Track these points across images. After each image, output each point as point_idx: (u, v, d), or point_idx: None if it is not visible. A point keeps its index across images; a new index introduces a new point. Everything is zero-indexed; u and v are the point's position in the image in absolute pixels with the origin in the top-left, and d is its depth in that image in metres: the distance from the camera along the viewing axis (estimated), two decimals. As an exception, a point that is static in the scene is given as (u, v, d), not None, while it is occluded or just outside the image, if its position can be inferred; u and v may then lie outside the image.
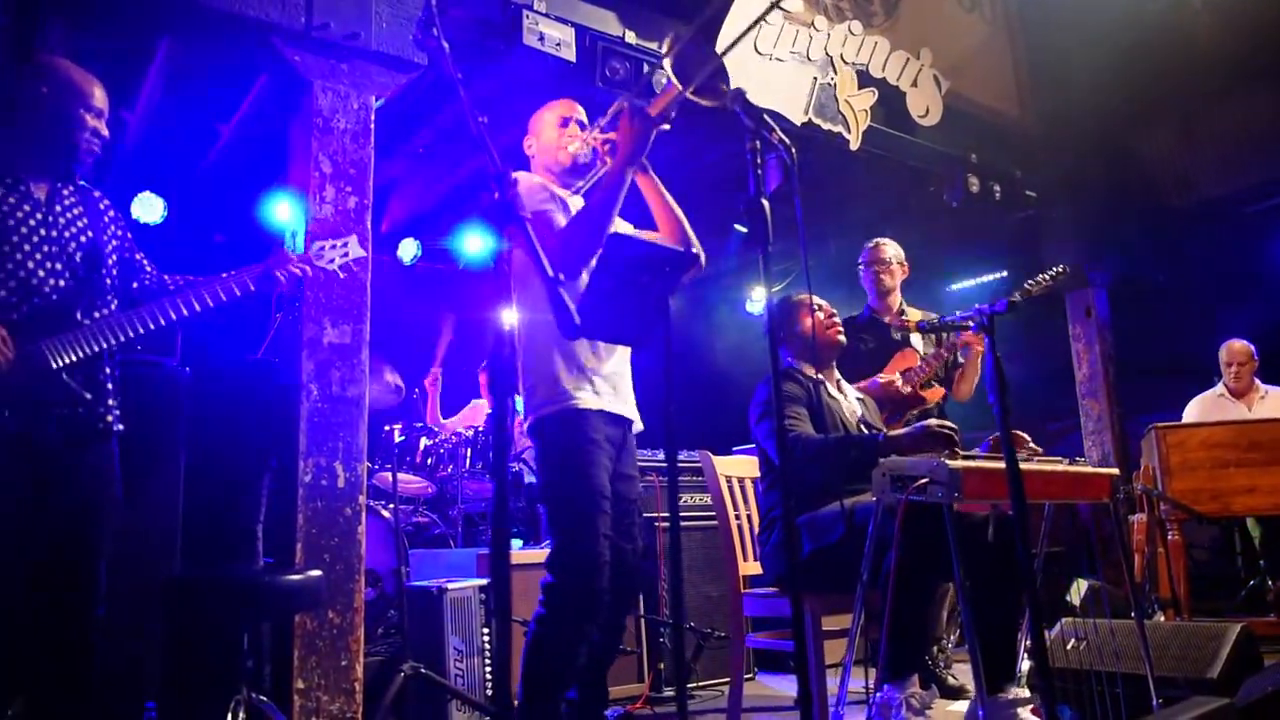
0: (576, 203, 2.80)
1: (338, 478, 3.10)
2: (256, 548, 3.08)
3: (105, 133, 2.55)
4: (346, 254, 2.83)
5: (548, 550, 2.59)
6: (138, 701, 2.97)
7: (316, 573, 2.76)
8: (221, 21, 3.16)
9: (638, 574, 2.66)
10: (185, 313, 2.49)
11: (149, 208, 5.56)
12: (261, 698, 2.75)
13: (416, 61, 3.45)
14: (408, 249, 6.92)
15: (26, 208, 2.40)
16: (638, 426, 2.77)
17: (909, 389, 3.97)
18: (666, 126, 2.53)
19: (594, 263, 2.14)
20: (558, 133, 2.80)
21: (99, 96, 2.53)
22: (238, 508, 3.11)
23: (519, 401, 2.77)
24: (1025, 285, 3.90)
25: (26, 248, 2.36)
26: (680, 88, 2.31)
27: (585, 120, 2.83)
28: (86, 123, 2.49)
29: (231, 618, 2.73)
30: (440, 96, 4.76)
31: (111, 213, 2.63)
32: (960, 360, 4.15)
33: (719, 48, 2.25)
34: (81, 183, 2.59)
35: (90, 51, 4.30)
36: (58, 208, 2.47)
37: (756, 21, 2.47)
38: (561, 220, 2.62)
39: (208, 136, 5.38)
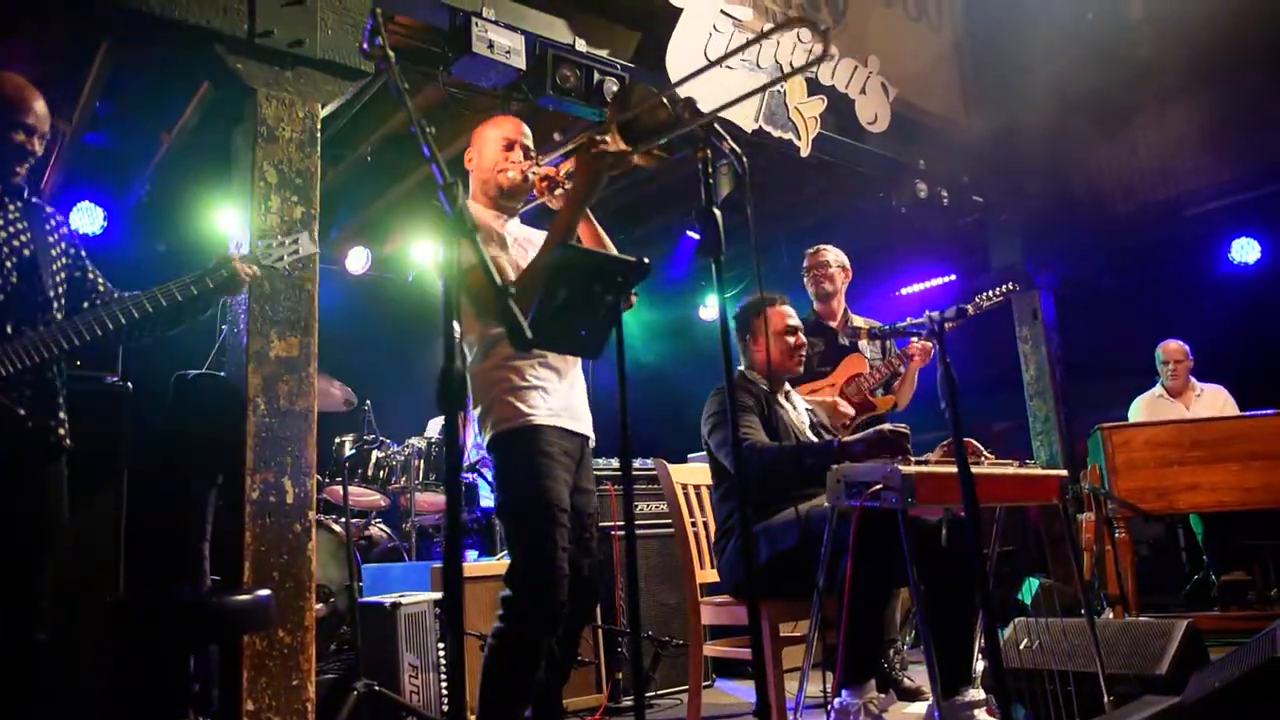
0: (512, 227, 2.76)
1: (286, 494, 3.04)
2: (203, 567, 3.00)
3: (37, 149, 2.45)
4: (296, 251, 2.70)
5: (506, 563, 2.56)
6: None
7: (265, 592, 2.70)
8: (162, 28, 3.08)
9: (593, 588, 2.63)
10: (124, 321, 2.41)
11: (88, 218, 5.43)
12: (209, 721, 2.69)
13: (363, 69, 3.40)
14: (357, 259, 6.84)
15: None
16: (593, 443, 2.75)
17: (854, 406, 4.00)
18: (622, 171, 2.50)
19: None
20: (500, 155, 2.72)
21: (35, 111, 2.43)
22: (182, 526, 3.02)
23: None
24: (976, 299, 3.98)
25: None
26: (626, 147, 2.31)
27: (530, 145, 2.79)
28: (13, 141, 2.40)
29: (177, 640, 2.65)
30: (389, 101, 4.71)
31: (63, 230, 2.56)
32: (900, 370, 4.18)
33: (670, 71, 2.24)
34: (33, 199, 2.52)
35: (25, 58, 4.21)
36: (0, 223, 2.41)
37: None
38: (505, 267, 2.58)
39: (149, 145, 5.27)
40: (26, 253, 2.42)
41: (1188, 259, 6.74)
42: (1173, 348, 5.79)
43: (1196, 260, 6.77)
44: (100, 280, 2.60)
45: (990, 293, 3.96)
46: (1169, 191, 6.27)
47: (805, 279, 4.41)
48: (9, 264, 2.38)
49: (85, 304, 2.55)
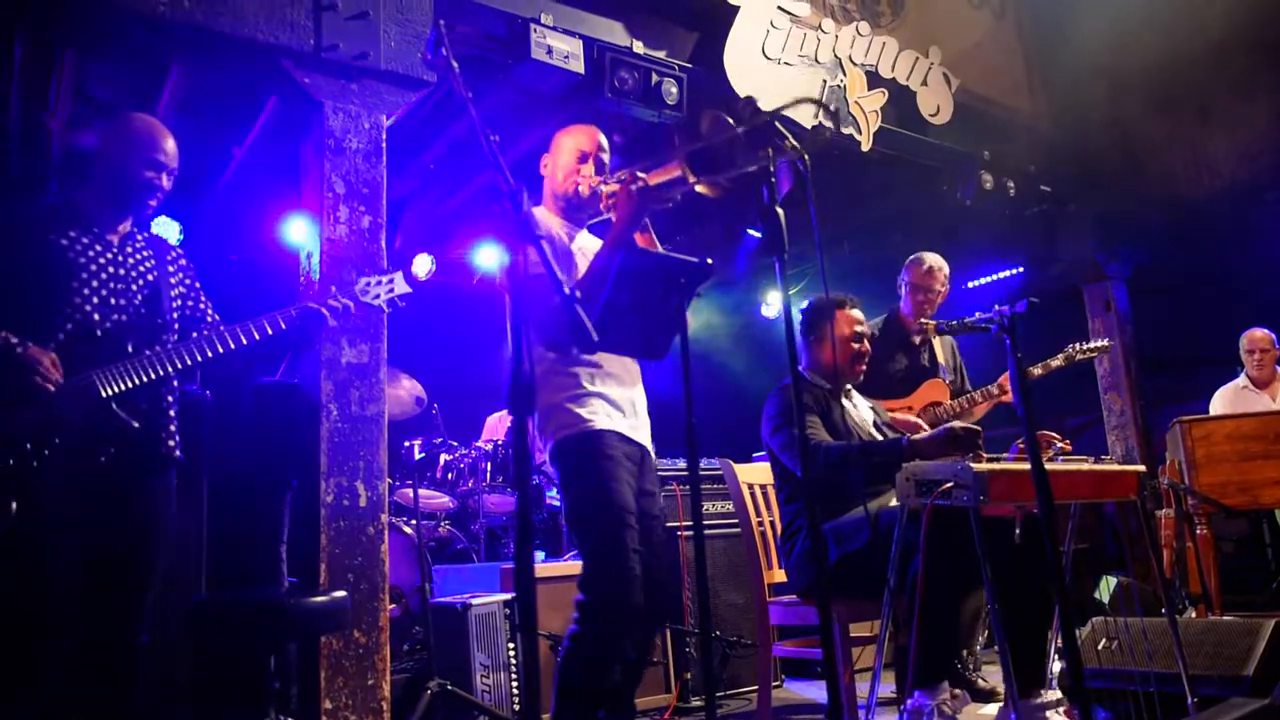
0: (581, 240, 2.79)
1: (359, 497, 3.11)
2: (281, 569, 3.09)
3: (166, 185, 2.64)
4: (393, 289, 2.87)
5: (576, 563, 2.57)
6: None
7: (341, 593, 2.77)
8: (231, 45, 3.18)
9: (666, 589, 2.62)
10: (232, 346, 2.56)
11: (164, 231, 5.59)
12: None
13: (426, 79, 3.46)
14: (422, 264, 6.93)
15: (98, 248, 2.53)
16: (652, 455, 2.75)
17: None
18: (670, 204, 2.51)
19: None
20: (573, 166, 2.77)
21: (165, 149, 2.62)
22: (261, 530, 3.12)
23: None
24: (1068, 350, 3.82)
25: (88, 292, 2.46)
26: (693, 179, 2.31)
27: (606, 158, 2.80)
28: (143, 177, 2.59)
29: (257, 640, 2.73)
30: (451, 110, 4.78)
31: (181, 262, 2.76)
32: (978, 402, 3.99)
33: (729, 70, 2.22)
34: (154, 233, 2.75)
35: (101, 77, 4.36)
36: (129, 249, 2.61)
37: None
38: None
39: (221, 159, 5.42)
40: (150, 277, 2.62)
41: (1269, 243, 6.49)
42: (1258, 336, 5.58)
43: (1277, 245, 6.51)
44: (210, 312, 2.78)
45: (1084, 346, 3.80)
46: (1247, 173, 6.04)
47: (903, 289, 4.22)
48: (135, 287, 2.57)
49: (195, 333, 2.69)
